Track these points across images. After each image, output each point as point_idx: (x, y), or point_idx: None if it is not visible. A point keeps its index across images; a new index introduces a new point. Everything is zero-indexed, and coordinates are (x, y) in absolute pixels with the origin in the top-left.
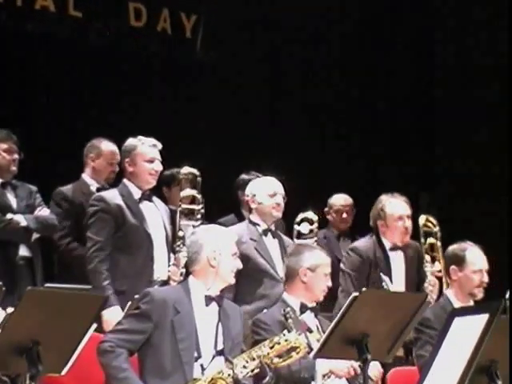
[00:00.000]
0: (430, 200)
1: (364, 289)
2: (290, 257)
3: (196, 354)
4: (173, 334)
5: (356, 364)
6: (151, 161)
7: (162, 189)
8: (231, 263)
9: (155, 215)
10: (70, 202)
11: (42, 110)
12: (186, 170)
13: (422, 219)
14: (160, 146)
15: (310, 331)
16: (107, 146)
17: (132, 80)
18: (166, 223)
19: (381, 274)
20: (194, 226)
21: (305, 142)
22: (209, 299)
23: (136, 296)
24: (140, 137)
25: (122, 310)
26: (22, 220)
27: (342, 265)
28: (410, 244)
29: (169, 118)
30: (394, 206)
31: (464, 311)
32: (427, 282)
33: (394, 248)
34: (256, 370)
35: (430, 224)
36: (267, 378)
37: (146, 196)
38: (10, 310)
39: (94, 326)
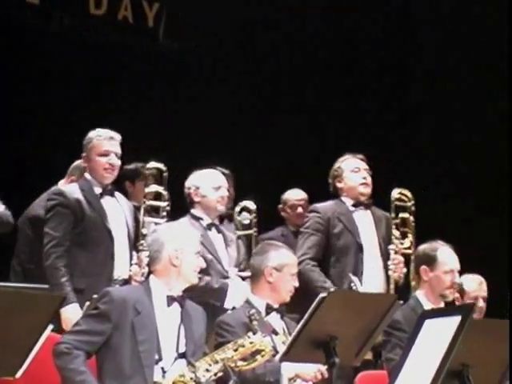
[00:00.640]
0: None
1: (332, 289)
2: (255, 256)
3: (157, 357)
4: (133, 335)
5: (323, 368)
6: (105, 154)
7: (125, 184)
8: (194, 262)
9: (117, 211)
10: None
11: None
12: (151, 164)
13: (395, 192)
14: (118, 138)
15: (276, 333)
16: None
17: (93, 69)
18: (129, 220)
19: (350, 274)
20: (156, 224)
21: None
22: (171, 299)
23: (95, 296)
24: (98, 129)
25: (81, 309)
26: None
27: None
28: (380, 213)
29: (130, 108)
30: (350, 161)
31: (435, 313)
32: (391, 261)
33: (357, 205)
34: (219, 374)
35: (404, 198)
36: (231, 382)
37: (108, 191)
38: None
39: (51, 326)
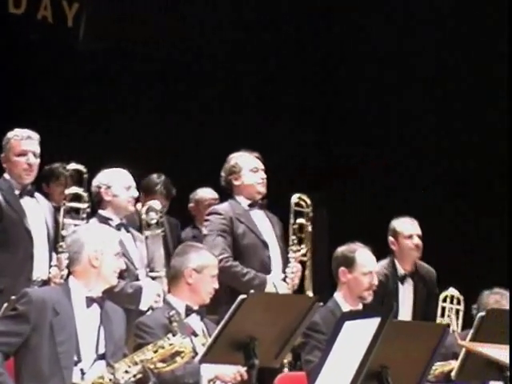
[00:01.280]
0: (321, 198)
1: (251, 292)
2: (175, 257)
3: (76, 358)
4: (51, 336)
5: (243, 369)
6: (23, 154)
7: (42, 185)
8: (114, 263)
9: (37, 212)
10: None
11: None
12: (71, 166)
13: (294, 198)
14: (36, 137)
15: (196, 335)
16: None
17: (13, 68)
18: (49, 221)
19: (268, 276)
20: (76, 226)
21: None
22: (90, 301)
23: (13, 296)
24: (16, 129)
25: None
26: None
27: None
28: (271, 214)
29: (53, 107)
30: (248, 159)
31: (354, 315)
32: (289, 268)
33: (253, 204)
34: (139, 375)
35: (302, 203)
36: None
37: (28, 191)
38: None
39: None
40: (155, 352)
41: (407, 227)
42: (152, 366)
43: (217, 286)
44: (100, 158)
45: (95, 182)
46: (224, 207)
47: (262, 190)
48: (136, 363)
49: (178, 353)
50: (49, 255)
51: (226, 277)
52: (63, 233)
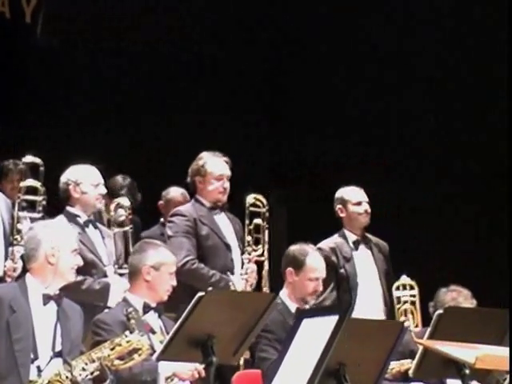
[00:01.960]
0: (279, 199)
1: (208, 289)
2: (133, 254)
3: (32, 356)
4: (8, 334)
5: (200, 367)
6: None
7: None
8: (71, 260)
9: None
10: None
11: None
12: (27, 159)
13: (250, 198)
14: None
15: (153, 332)
16: None
17: None
18: (5, 217)
19: (228, 273)
20: (32, 219)
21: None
22: (47, 298)
23: None
24: None
25: None
26: None
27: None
28: (231, 216)
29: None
30: (216, 164)
31: (313, 312)
32: (243, 269)
33: (214, 208)
34: (96, 373)
35: (259, 203)
36: (107, 381)
37: None
38: None
39: None
40: (112, 349)
41: (355, 195)
42: (109, 364)
43: (175, 283)
44: (59, 152)
45: (63, 179)
46: (187, 209)
47: (223, 199)
48: (93, 360)
49: (135, 350)
50: (4, 252)
51: (192, 279)
52: (18, 226)
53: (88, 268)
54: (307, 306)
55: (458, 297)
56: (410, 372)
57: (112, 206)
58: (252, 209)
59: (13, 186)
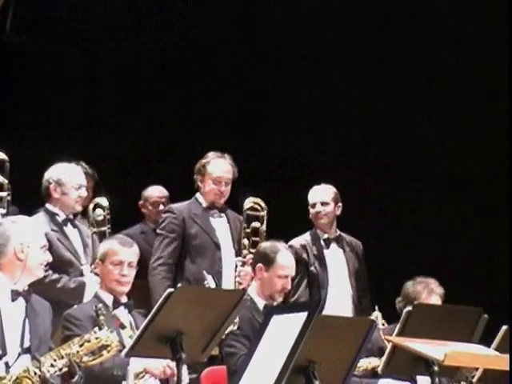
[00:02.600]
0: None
1: (179, 285)
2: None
3: (1, 352)
4: None
5: (172, 363)
6: None
7: None
8: (40, 256)
9: None
10: None
11: None
12: None
13: (248, 202)
14: None
15: (123, 327)
16: None
17: None
18: None
19: (204, 272)
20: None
21: None
22: (15, 294)
23: None
24: None
25: None
26: None
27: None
28: (233, 215)
29: None
30: (217, 166)
31: (282, 309)
32: (237, 273)
33: (212, 208)
34: (64, 369)
35: (257, 207)
36: (76, 377)
37: None
38: None
39: None
40: (81, 346)
41: (311, 196)
42: (78, 360)
43: (125, 272)
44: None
45: (46, 176)
46: (180, 207)
47: (219, 201)
48: (62, 357)
49: (104, 346)
50: None
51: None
52: None
53: (65, 266)
54: (275, 303)
55: (424, 289)
56: (379, 369)
57: (90, 206)
58: (250, 212)
59: None
